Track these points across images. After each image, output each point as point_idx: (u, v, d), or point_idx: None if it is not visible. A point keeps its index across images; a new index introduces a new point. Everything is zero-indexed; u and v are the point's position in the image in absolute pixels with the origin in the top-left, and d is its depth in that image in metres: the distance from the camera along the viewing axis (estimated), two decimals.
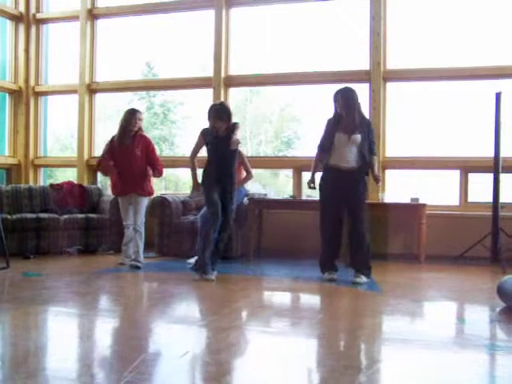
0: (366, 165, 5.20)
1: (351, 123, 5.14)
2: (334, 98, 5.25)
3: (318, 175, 5.40)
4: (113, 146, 5.96)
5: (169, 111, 9.78)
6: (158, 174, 6.08)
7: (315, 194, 7.15)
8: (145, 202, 6.00)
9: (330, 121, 5.31)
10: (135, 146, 5.88)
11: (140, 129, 5.98)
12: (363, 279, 5.06)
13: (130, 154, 5.85)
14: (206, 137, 5.27)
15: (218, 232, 5.20)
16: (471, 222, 6.62)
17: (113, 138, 6.03)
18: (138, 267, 5.80)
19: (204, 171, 5.32)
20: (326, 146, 5.26)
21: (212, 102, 5.50)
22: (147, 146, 5.96)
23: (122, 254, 6.09)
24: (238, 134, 5.17)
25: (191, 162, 5.38)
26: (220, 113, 5.18)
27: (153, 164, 5.99)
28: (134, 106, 8.82)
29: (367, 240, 5.17)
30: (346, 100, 5.16)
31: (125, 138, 5.89)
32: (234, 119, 5.28)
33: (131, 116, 5.90)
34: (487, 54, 6.84)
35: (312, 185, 5.41)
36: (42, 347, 3.09)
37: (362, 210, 5.18)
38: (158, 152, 9.23)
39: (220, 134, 5.19)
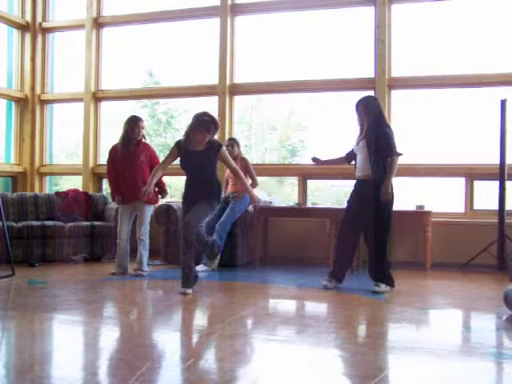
0: (379, 173, 4.99)
1: (368, 131, 5.11)
2: (356, 108, 5.19)
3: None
4: (114, 155, 5.96)
5: (172, 118, 9.79)
6: (162, 189, 6.01)
7: (320, 202, 7.16)
8: (150, 210, 5.97)
9: None
10: (140, 153, 5.87)
11: (143, 136, 5.97)
12: (383, 288, 5.01)
13: (135, 162, 5.84)
14: (181, 149, 4.89)
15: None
16: (477, 229, 6.60)
17: (114, 146, 6.03)
18: (142, 275, 5.81)
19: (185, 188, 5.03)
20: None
21: (211, 111, 5.10)
22: (152, 155, 5.97)
23: (115, 265, 6.00)
24: (228, 156, 5.02)
25: (156, 171, 5.03)
26: (209, 125, 4.79)
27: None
28: (138, 113, 8.83)
29: (382, 251, 5.03)
30: (368, 109, 5.10)
31: (129, 146, 5.88)
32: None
33: (134, 125, 5.86)
34: (492, 62, 6.83)
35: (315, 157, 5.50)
36: (47, 355, 3.09)
37: (375, 220, 5.00)
38: (161, 160, 9.27)
39: (195, 148, 4.84)
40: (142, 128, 5.92)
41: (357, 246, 5.31)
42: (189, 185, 4.94)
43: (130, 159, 5.85)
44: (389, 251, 5.15)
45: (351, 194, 5.25)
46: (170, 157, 4.98)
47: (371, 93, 7.18)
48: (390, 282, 5.07)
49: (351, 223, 5.13)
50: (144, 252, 5.88)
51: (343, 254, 5.21)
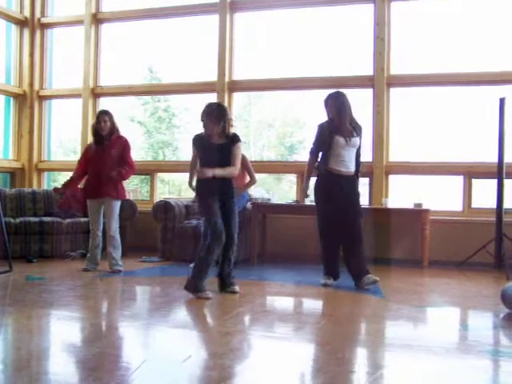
0: (359, 168, 5.26)
1: (347, 126, 5.15)
2: (325, 103, 5.24)
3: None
4: (88, 152, 5.96)
5: (173, 116, 9.80)
6: (125, 173, 5.82)
7: None
8: (118, 205, 5.89)
9: (322, 126, 5.28)
10: (111, 147, 5.82)
11: (116, 129, 5.89)
12: (373, 276, 5.04)
13: (105, 156, 5.79)
14: (196, 145, 4.79)
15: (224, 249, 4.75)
16: (475, 227, 6.61)
17: (90, 144, 6.07)
18: (119, 271, 5.78)
19: (197, 183, 4.79)
20: (319, 151, 5.29)
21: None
22: (123, 147, 5.89)
23: (86, 260, 5.96)
24: (238, 154, 4.72)
25: (190, 174, 4.95)
26: (209, 114, 4.66)
27: (124, 163, 5.84)
28: (139, 110, 8.81)
29: (363, 244, 5.16)
30: (338, 104, 5.15)
31: (100, 141, 5.84)
32: (234, 122, 4.87)
33: (98, 118, 5.86)
34: (491, 60, 6.83)
35: (307, 193, 5.46)
36: (45, 351, 3.09)
37: (360, 215, 5.18)
38: (161, 157, 9.28)
39: (214, 140, 4.70)
40: (105, 121, 5.81)
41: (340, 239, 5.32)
42: (205, 182, 4.68)
43: (102, 155, 5.81)
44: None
45: (334, 191, 5.14)
46: (194, 156, 4.87)
47: (370, 90, 7.21)
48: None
49: (336, 219, 5.16)
50: (116, 249, 5.84)
51: (334, 251, 5.25)
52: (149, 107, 9.76)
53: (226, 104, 7.69)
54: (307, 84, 7.62)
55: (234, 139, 4.73)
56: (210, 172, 4.57)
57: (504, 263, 6.04)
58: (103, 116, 5.85)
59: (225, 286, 4.79)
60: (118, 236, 5.87)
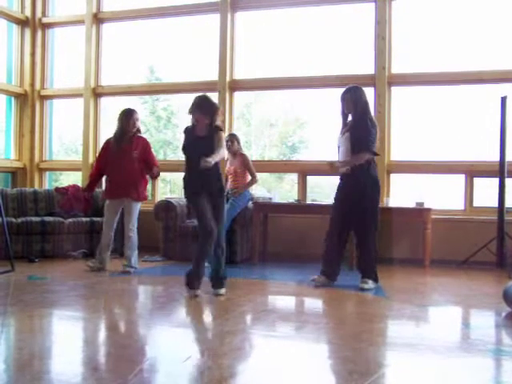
0: (366, 165, 5.01)
1: (347, 122, 5.10)
2: (342, 97, 5.09)
3: None
4: (108, 149, 5.90)
5: (172, 114, 9.80)
6: (155, 174, 5.91)
7: (320, 199, 7.16)
8: (138, 206, 5.88)
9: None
10: (133, 148, 5.78)
11: (138, 130, 5.89)
12: (370, 285, 5.02)
13: (127, 157, 5.75)
14: (186, 136, 4.71)
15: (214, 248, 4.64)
16: (476, 226, 6.60)
17: (108, 140, 5.98)
18: (128, 272, 5.74)
19: (184, 182, 4.72)
20: None
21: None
22: (145, 148, 5.86)
23: (95, 258, 5.94)
24: (222, 137, 4.63)
25: None
26: (194, 107, 4.62)
27: (150, 165, 5.85)
28: (138, 109, 8.81)
29: (372, 245, 5.07)
30: (355, 99, 5.01)
31: (123, 139, 5.80)
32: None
33: (128, 117, 5.78)
34: (492, 58, 6.82)
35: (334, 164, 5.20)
36: (47, 350, 3.09)
37: (367, 214, 5.02)
38: (162, 156, 9.26)
39: (199, 133, 4.64)
40: (137, 120, 5.85)
41: (347, 241, 5.26)
42: (193, 176, 4.63)
43: (122, 155, 5.77)
44: (377, 247, 5.17)
45: (338, 190, 5.18)
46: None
47: (371, 89, 7.19)
48: (377, 278, 5.09)
49: (342, 220, 5.11)
50: (132, 248, 5.82)
51: (335, 253, 5.16)
52: (148, 106, 9.76)
53: (227, 103, 7.70)
54: (308, 83, 7.61)
55: (217, 130, 4.64)
56: (211, 160, 4.39)
57: (506, 262, 6.04)
58: (135, 115, 5.82)
59: (212, 286, 4.71)
60: (135, 236, 5.84)
